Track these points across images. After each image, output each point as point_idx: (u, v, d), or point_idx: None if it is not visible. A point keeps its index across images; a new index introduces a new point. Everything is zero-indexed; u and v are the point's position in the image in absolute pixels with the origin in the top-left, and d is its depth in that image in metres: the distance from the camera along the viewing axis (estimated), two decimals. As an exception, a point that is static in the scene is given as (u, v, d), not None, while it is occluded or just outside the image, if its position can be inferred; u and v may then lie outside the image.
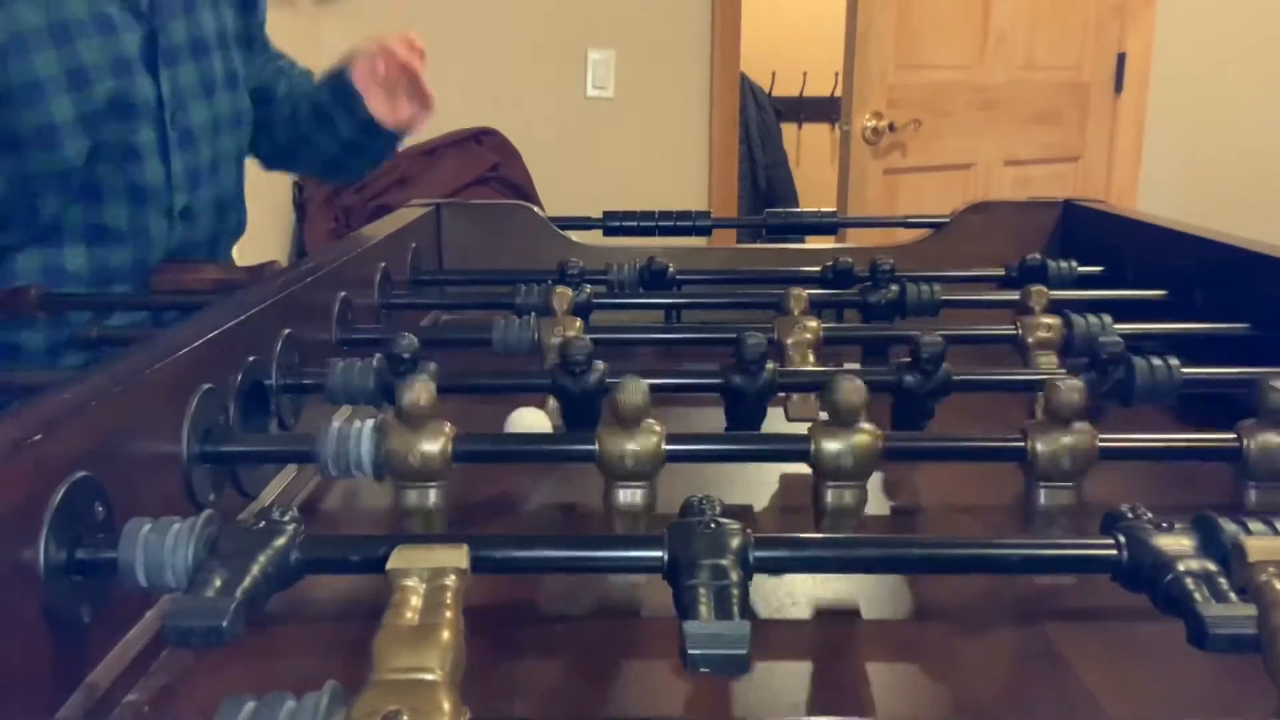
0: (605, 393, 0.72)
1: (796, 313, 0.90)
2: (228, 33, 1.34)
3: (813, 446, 0.60)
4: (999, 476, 0.70)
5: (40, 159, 1.14)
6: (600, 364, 0.72)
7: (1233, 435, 0.64)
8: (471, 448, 0.62)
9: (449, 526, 0.61)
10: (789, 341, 0.85)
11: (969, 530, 0.68)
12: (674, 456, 0.61)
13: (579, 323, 0.88)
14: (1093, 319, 0.91)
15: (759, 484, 0.73)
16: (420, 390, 0.59)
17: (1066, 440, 0.61)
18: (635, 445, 0.59)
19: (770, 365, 0.72)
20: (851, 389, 0.60)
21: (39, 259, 1.19)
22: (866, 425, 0.60)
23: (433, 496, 0.60)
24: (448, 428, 0.60)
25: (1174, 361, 0.75)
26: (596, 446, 0.60)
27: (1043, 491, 0.61)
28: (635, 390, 0.59)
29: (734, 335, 0.72)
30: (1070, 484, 0.61)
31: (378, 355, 0.74)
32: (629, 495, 0.60)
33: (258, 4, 1.41)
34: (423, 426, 0.60)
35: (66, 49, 1.14)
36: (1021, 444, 0.61)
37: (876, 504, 0.74)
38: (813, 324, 0.88)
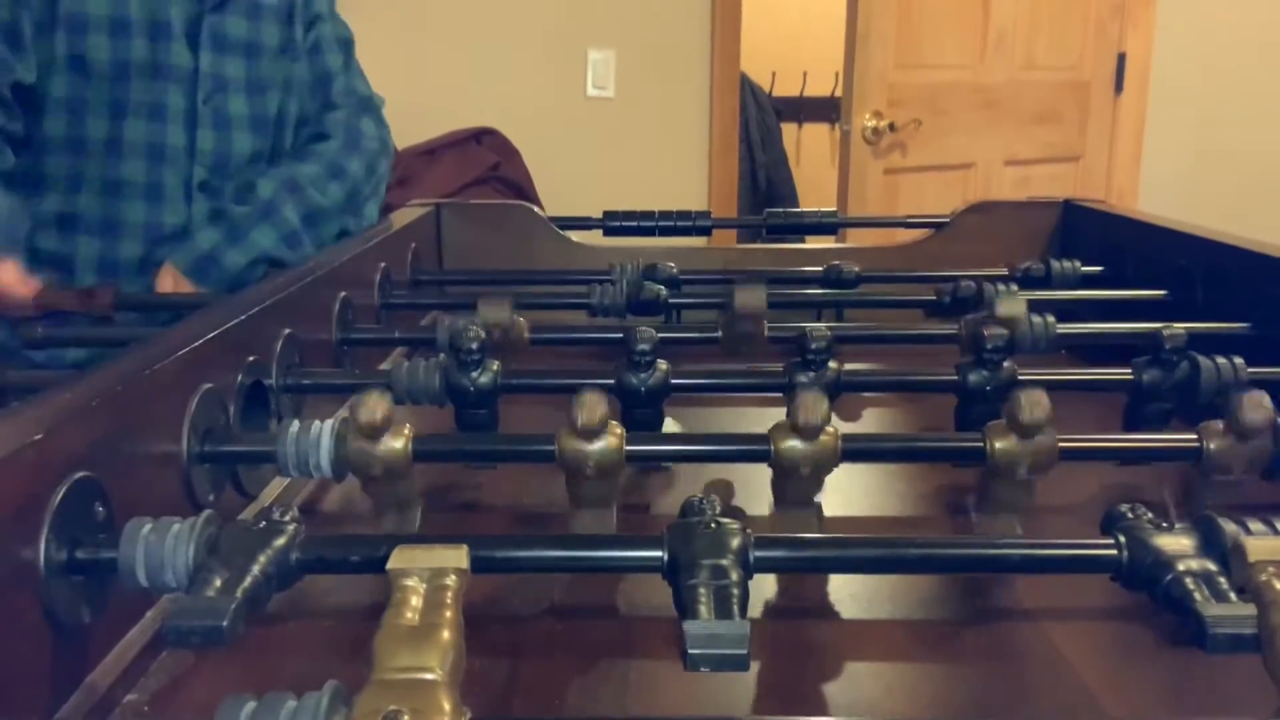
0: (668, 392, 0.72)
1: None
2: (296, 44, 1.44)
3: (773, 447, 0.60)
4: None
5: (74, 82, 1.27)
6: (663, 363, 0.72)
7: (1194, 436, 0.63)
8: (432, 447, 0.62)
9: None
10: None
11: (969, 530, 0.68)
12: (634, 457, 0.61)
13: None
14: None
15: (759, 484, 0.73)
16: (376, 405, 0.59)
17: (1026, 440, 0.60)
18: (595, 446, 0.59)
19: (833, 364, 0.73)
20: (813, 402, 0.59)
21: (57, 203, 1.30)
22: (828, 427, 0.61)
23: (400, 495, 0.60)
24: (407, 428, 0.60)
25: (1239, 360, 0.74)
26: (556, 447, 0.60)
27: (999, 486, 0.61)
28: (596, 405, 0.59)
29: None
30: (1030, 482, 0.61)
31: (441, 354, 0.74)
32: (591, 492, 0.60)
33: (320, 82, 1.49)
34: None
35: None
36: (981, 444, 0.61)
37: (874, 504, 0.74)
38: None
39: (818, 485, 0.61)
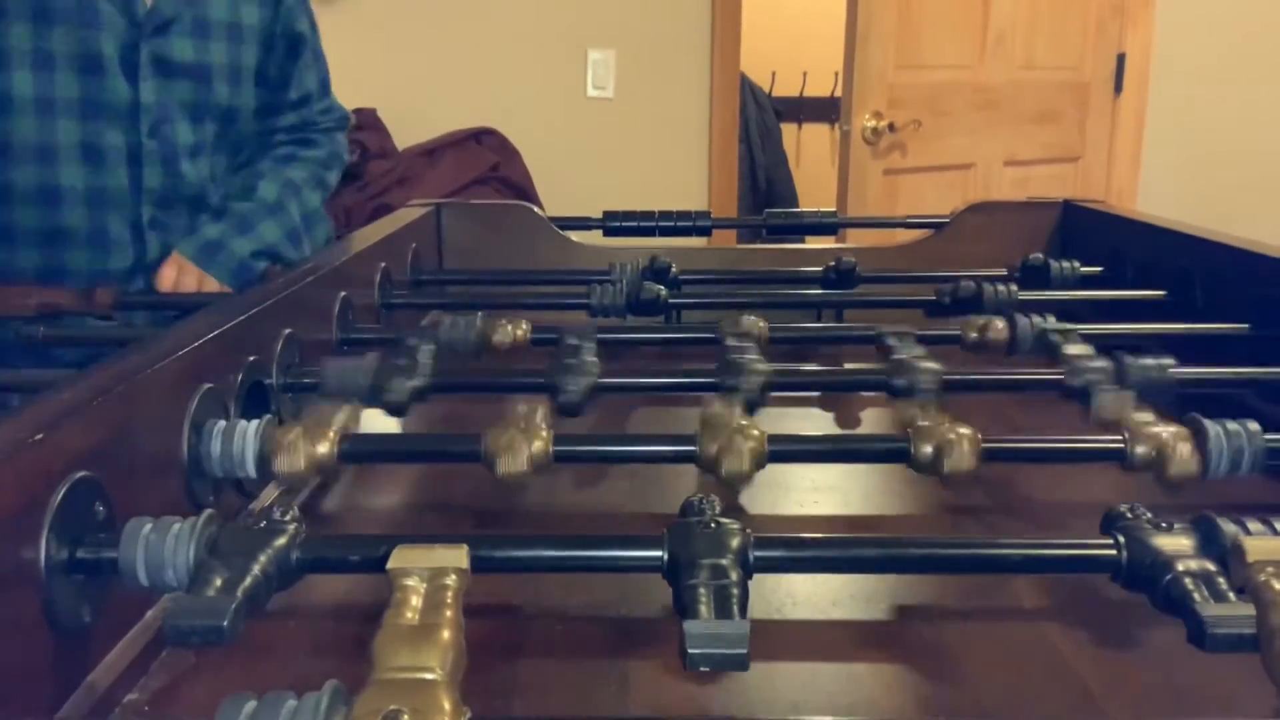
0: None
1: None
2: (242, 69, 1.34)
3: (700, 448, 0.61)
4: (1000, 477, 0.70)
5: None
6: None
7: (1119, 437, 0.64)
8: (357, 448, 0.62)
9: (341, 528, 0.61)
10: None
11: (969, 530, 0.68)
12: (561, 457, 0.61)
13: (525, 323, 0.90)
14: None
15: (758, 482, 0.73)
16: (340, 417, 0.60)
17: (950, 439, 0.61)
18: (524, 449, 0.60)
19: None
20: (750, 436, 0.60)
21: None
22: (754, 429, 0.61)
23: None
24: (334, 430, 0.60)
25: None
26: (483, 447, 0.60)
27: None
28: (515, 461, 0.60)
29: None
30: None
31: (372, 354, 0.75)
32: (509, 462, 0.60)
33: (291, 81, 1.42)
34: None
35: (41, 28, 1.14)
36: (905, 445, 0.62)
37: (874, 504, 0.74)
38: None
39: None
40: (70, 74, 1.16)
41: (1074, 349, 0.79)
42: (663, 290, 1.02)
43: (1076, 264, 1.15)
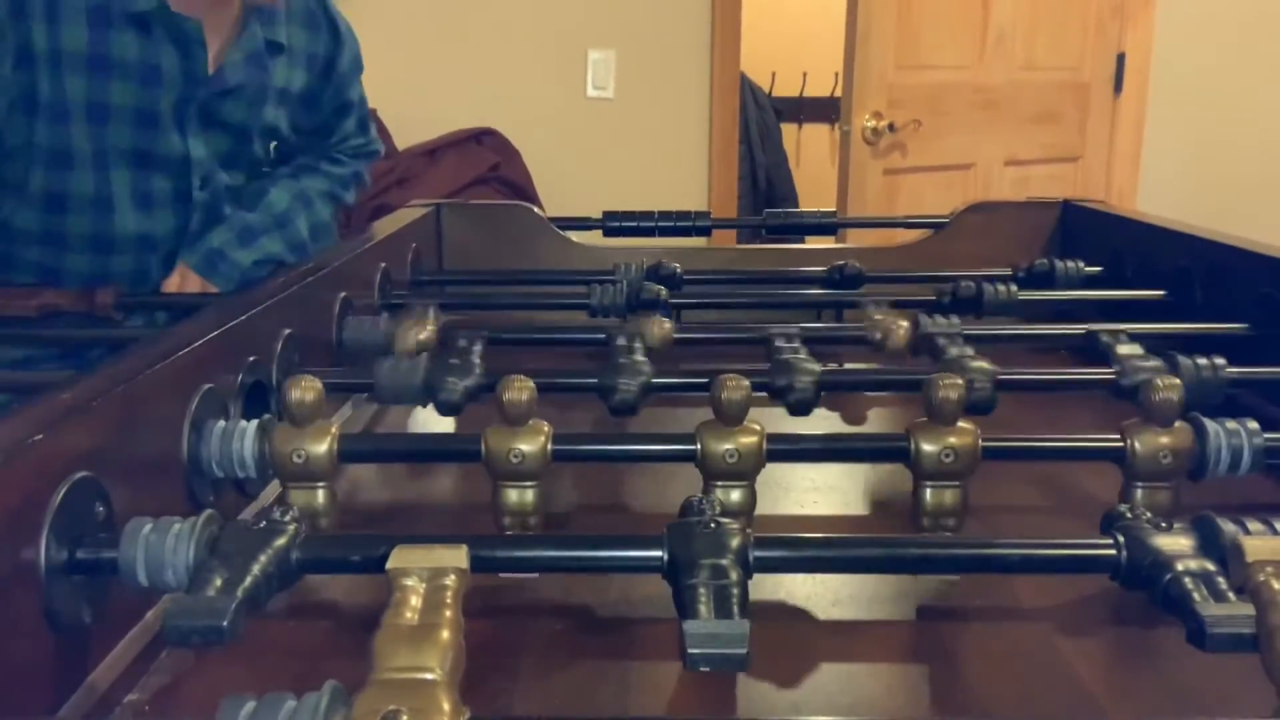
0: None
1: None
2: (282, 129, 1.38)
3: (699, 447, 0.61)
4: (998, 476, 0.70)
5: (52, 177, 1.17)
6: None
7: (1117, 435, 0.63)
8: (357, 447, 0.62)
9: (338, 529, 0.61)
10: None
11: (969, 530, 0.68)
12: (560, 456, 0.61)
13: (432, 316, 0.90)
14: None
15: (759, 482, 0.73)
16: (306, 388, 0.59)
17: (951, 440, 0.60)
18: (523, 445, 0.59)
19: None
20: (735, 387, 0.60)
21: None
22: (754, 425, 0.61)
23: (320, 498, 0.60)
24: (334, 428, 0.60)
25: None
26: (483, 446, 0.60)
27: (928, 491, 0.61)
28: (522, 389, 0.59)
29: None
30: (957, 484, 0.61)
31: (424, 355, 0.75)
32: (518, 495, 0.60)
33: (333, 133, 1.45)
34: (308, 426, 0.60)
35: (99, 81, 1.16)
36: (905, 444, 0.61)
37: (874, 505, 0.74)
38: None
39: (749, 496, 0.61)
40: (125, 126, 1.18)
41: (1125, 349, 0.79)
42: (663, 290, 1.02)
43: (1081, 264, 1.15)
